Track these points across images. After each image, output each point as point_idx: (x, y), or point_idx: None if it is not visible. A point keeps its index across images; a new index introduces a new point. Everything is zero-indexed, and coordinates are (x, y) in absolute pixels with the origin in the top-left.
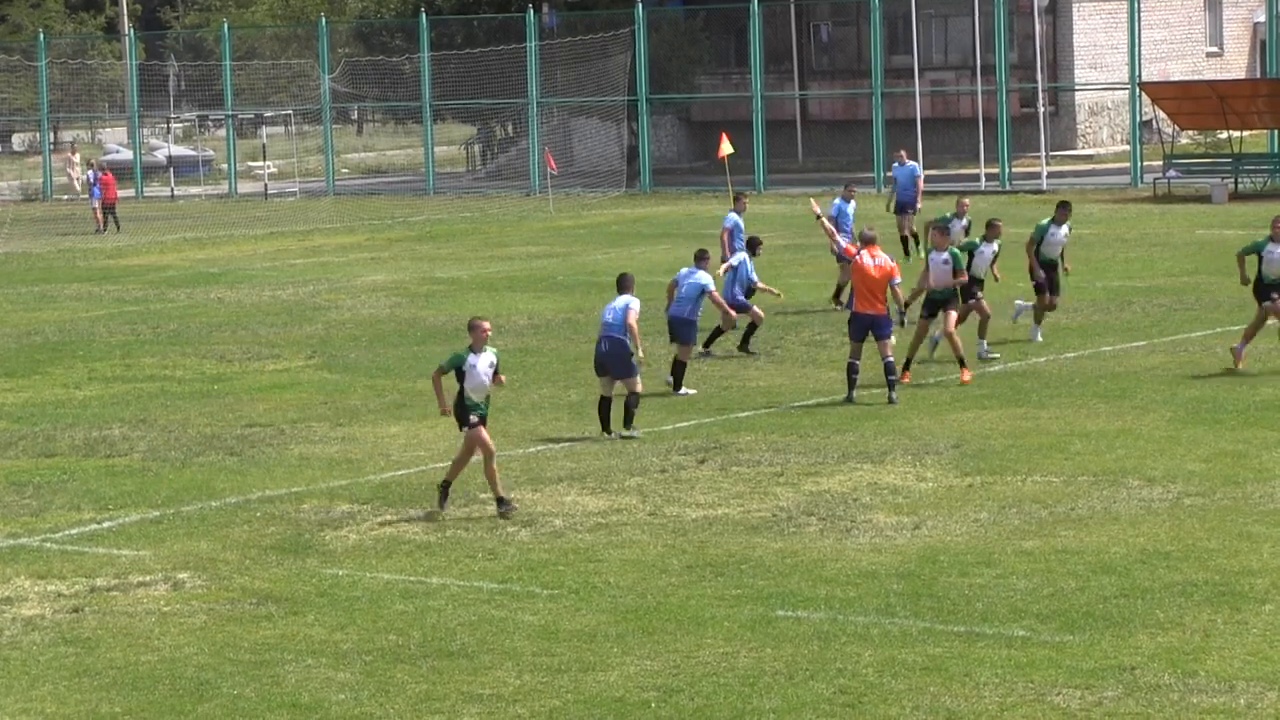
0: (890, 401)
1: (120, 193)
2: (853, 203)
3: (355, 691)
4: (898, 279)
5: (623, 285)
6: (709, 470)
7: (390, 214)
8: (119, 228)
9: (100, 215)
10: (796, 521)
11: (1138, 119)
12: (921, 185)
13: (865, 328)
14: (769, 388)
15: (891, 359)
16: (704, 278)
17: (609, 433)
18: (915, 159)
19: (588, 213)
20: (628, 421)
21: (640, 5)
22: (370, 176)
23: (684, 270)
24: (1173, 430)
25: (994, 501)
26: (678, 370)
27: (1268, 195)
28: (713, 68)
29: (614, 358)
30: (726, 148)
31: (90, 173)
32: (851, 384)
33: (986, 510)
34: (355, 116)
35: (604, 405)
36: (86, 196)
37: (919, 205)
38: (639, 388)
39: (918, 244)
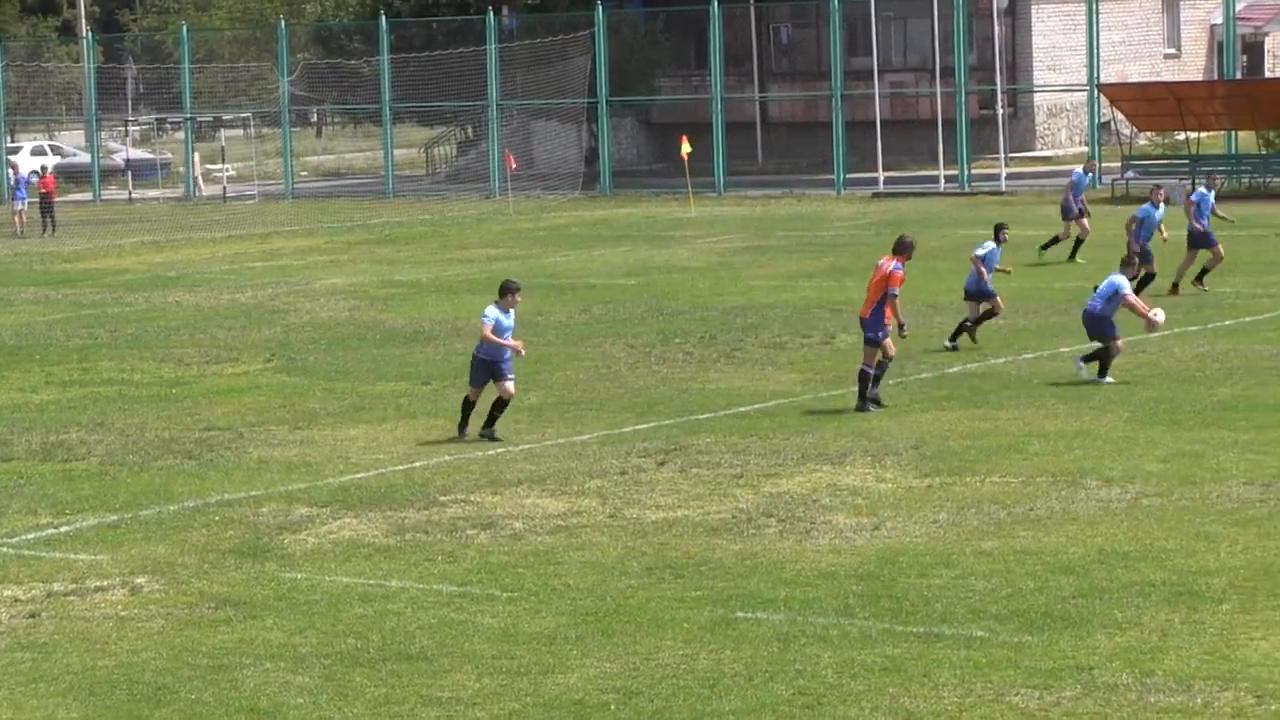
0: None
1: (78, 196)
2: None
3: (314, 695)
4: (894, 290)
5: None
6: (669, 472)
7: (349, 217)
8: (54, 230)
9: (22, 219)
10: (756, 523)
11: (1096, 120)
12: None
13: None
14: (729, 390)
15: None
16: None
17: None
18: (875, 160)
19: (547, 215)
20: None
21: (600, 7)
22: (329, 179)
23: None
24: (1130, 431)
25: (953, 502)
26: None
27: (1226, 196)
28: (673, 70)
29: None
30: (686, 148)
31: (12, 174)
32: (861, 392)
33: (945, 511)
34: (314, 119)
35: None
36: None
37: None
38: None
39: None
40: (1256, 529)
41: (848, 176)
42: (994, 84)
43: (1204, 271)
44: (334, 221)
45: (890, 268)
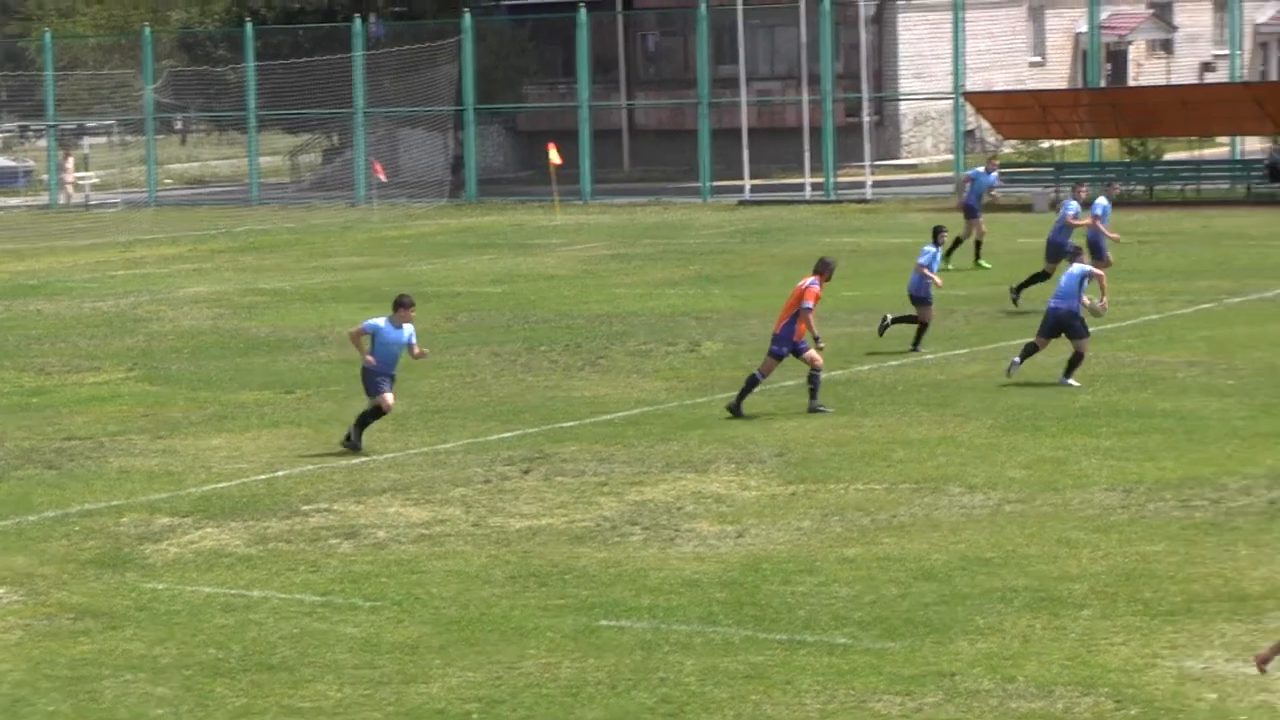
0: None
1: None
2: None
3: (174, 706)
4: (808, 304)
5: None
6: (533, 480)
7: (214, 224)
8: None
9: None
10: (620, 531)
11: (961, 128)
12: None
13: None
14: (594, 397)
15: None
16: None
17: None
18: (742, 168)
19: (413, 223)
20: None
21: (468, 15)
22: (194, 187)
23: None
24: (993, 438)
25: (817, 509)
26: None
27: (1087, 204)
28: (540, 77)
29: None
30: (554, 156)
31: None
32: (742, 391)
33: (809, 518)
34: (179, 127)
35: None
36: None
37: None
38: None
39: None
40: (1118, 535)
41: (714, 184)
42: (860, 92)
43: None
44: (198, 229)
45: (807, 284)
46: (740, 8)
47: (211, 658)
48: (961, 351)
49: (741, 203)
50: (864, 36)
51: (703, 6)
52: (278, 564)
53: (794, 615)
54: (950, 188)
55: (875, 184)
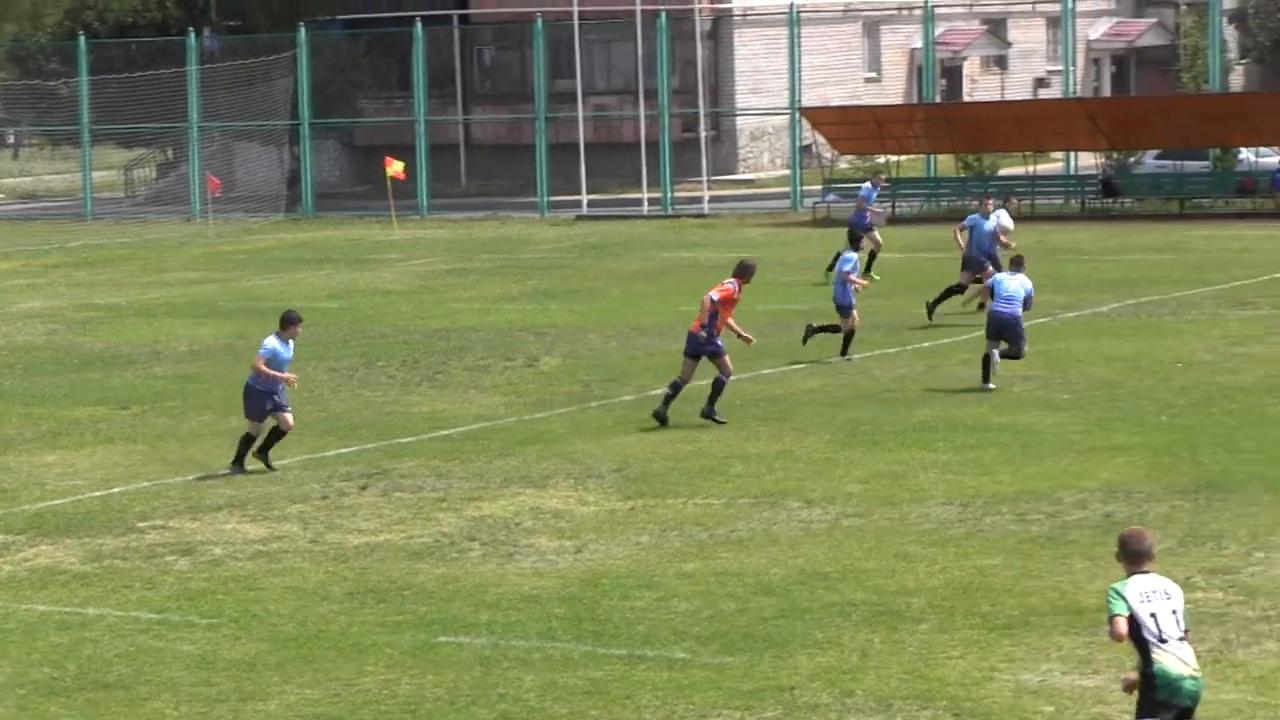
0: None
1: None
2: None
3: None
4: (714, 295)
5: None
6: (371, 496)
7: (47, 239)
8: None
9: None
10: (459, 547)
11: (797, 143)
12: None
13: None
14: (432, 413)
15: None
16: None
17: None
18: (579, 183)
19: (249, 238)
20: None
21: (303, 29)
22: (26, 202)
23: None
24: (831, 452)
25: (655, 524)
26: None
27: (925, 219)
28: (376, 91)
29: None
30: (396, 168)
31: None
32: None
33: (648, 533)
34: (11, 140)
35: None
36: None
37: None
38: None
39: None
40: (955, 549)
41: (551, 199)
42: (697, 107)
43: (955, 290)
44: (31, 244)
45: (726, 284)
46: (577, 23)
47: (46, 677)
48: (799, 366)
49: (579, 218)
50: (700, 52)
51: (539, 21)
52: (113, 581)
53: (633, 630)
54: (787, 203)
55: (712, 199)
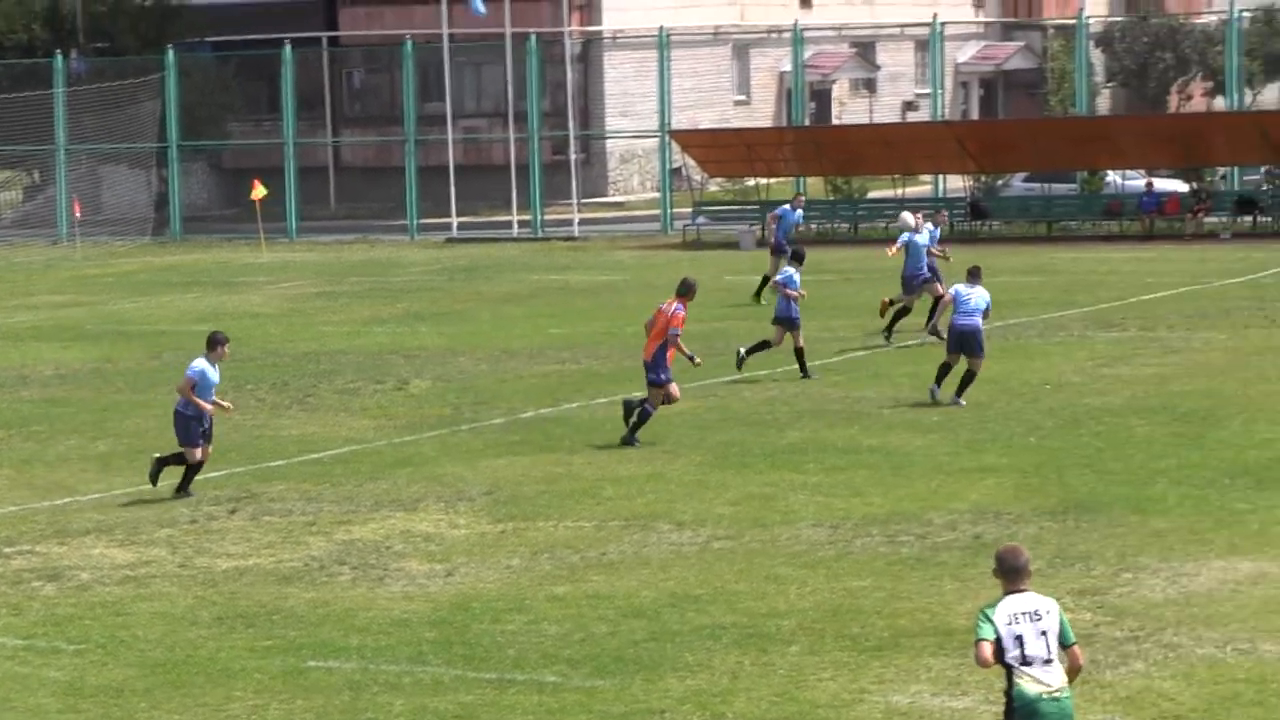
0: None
1: None
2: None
3: None
4: (676, 330)
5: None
6: (240, 520)
7: None
8: None
9: None
10: (328, 570)
11: (667, 166)
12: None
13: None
14: (302, 436)
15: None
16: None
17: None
18: (449, 206)
19: (116, 261)
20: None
21: (171, 51)
22: None
23: None
24: (702, 474)
25: (526, 547)
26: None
27: (794, 240)
28: (244, 114)
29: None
30: (259, 192)
31: None
32: (634, 425)
33: (519, 556)
34: None
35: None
36: None
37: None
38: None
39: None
40: (825, 571)
41: (421, 222)
42: (567, 130)
43: (903, 312)
44: None
45: (673, 309)
46: (446, 45)
47: None
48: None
49: (449, 240)
50: (570, 74)
51: (409, 43)
52: None
53: (504, 654)
54: (657, 225)
55: (582, 221)
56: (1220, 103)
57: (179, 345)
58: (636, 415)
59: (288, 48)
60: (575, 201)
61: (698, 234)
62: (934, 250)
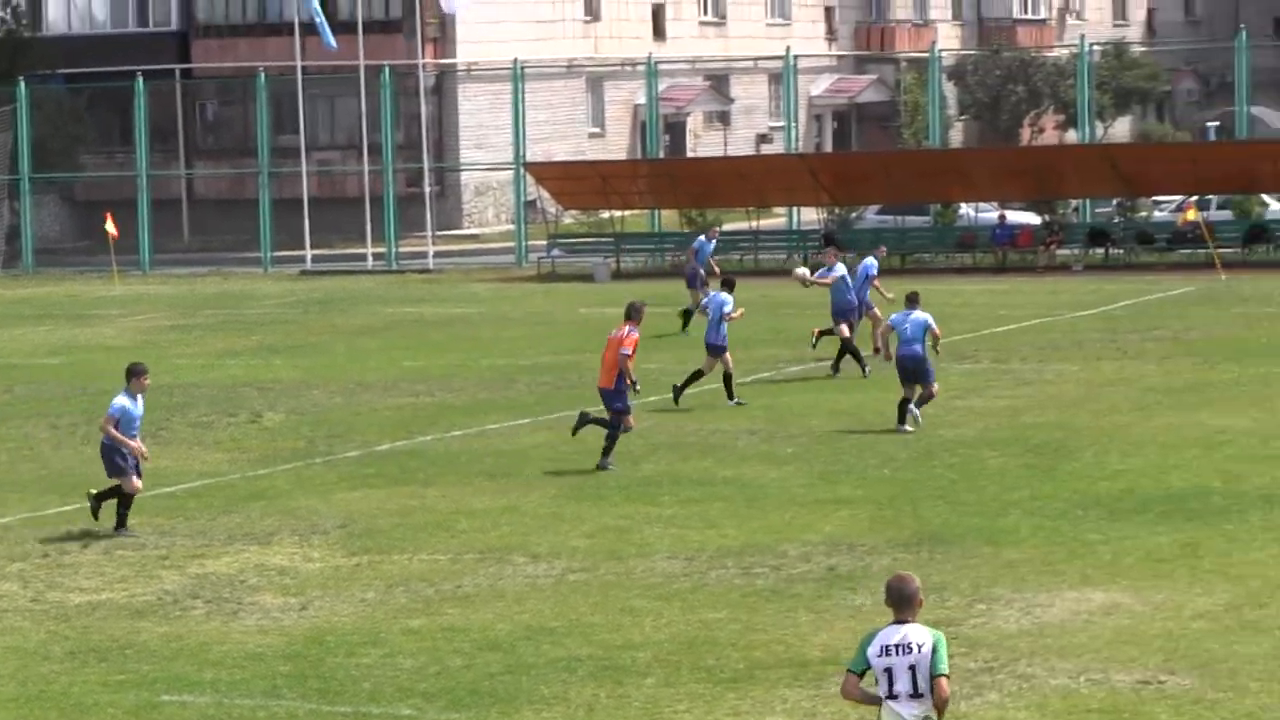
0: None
1: None
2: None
3: None
4: (626, 350)
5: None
6: (93, 554)
7: None
8: None
9: None
10: (182, 604)
11: (522, 198)
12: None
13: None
14: (155, 470)
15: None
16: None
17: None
18: (303, 238)
19: None
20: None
21: (22, 82)
22: None
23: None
24: (557, 507)
25: (381, 580)
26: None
27: (649, 274)
28: (97, 146)
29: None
30: (110, 227)
31: None
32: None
33: (373, 589)
34: None
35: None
36: None
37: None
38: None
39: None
40: (680, 603)
41: (275, 254)
42: (421, 162)
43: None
44: None
45: (625, 332)
46: (300, 77)
47: None
48: (525, 421)
49: (304, 273)
50: (424, 107)
51: (262, 75)
52: None
53: (359, 687)
54: (512, 258)
55: (437, 254)
56: (1072, 136)
57: (30, 379)
58: (608, 439)
59: (140, 79)
60: (430, 234)
61: (553, 266)
62: (876, 284)
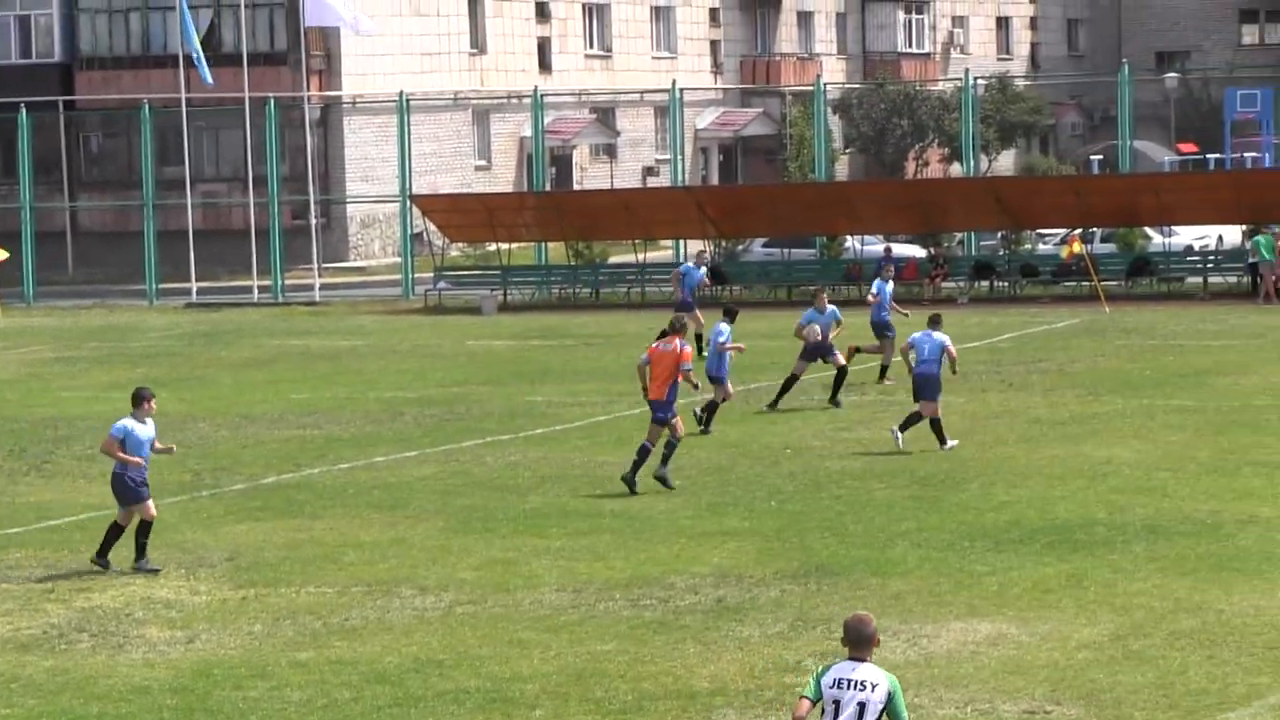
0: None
1: None
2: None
3: None
4: (687, 365)
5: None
6: None
7: None
8: None
9: None
10: (68, 638)
11: (408, 231)
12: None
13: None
14: (39, 503)
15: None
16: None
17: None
18: (189, 270)
19: None
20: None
21: None
22: None
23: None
24: (445, 539)
25: (268, 613)
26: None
27: (536, 306)
28: None
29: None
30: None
31: None
32: (635, 463)
33: (261, 622)
34: None
35: (119, 532)
36: None
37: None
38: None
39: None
40: (568, 634)
41: (160, 287)
42: (307, 194)
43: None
44: None
45: (679, 346)
46: (185, 109)
47: None
48: (412, 453)
49: (189, 305)
50: (310, 139)
51: (146, 107)
52: None
53: None
54: (398, 290)
55: (323, 286)
56: (957, 169)
57: None
58: (637, 452)
59: (24, 111)
60: (316, 266)
61: (439, 299)
62: (894, 305)
